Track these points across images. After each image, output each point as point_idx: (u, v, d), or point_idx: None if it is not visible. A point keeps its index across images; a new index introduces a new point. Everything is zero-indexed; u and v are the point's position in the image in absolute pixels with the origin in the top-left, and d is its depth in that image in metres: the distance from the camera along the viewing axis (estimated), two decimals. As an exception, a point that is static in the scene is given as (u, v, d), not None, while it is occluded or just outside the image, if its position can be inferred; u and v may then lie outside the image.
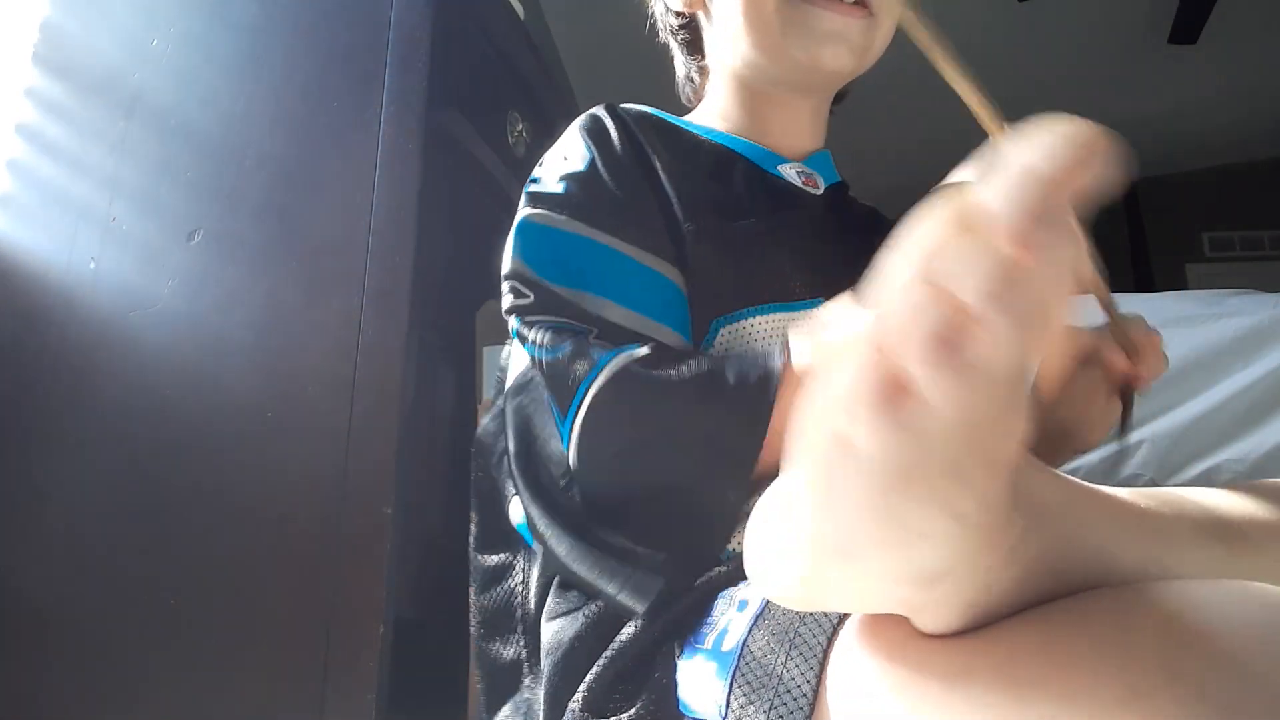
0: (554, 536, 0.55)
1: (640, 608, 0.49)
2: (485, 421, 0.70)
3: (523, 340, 0.58)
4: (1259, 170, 3.81)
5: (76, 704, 0.81)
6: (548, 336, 0.56)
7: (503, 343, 0.77)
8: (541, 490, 0.58)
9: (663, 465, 0.53)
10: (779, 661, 0.40)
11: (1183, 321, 1.36)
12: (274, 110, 0.93)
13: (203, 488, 0.84)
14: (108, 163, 0.96)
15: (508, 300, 0.60)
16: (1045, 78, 3.23)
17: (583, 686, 0.49)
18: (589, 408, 0.52)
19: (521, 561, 0.64)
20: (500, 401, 0.68)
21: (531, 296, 0.59)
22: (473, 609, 0.65)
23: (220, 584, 0.81)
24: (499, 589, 0.64)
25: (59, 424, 0.89)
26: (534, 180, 0.65)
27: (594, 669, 0.49)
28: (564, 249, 0.60)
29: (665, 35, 0.79)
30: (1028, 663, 0.30)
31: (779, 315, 0.62)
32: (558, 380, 0.54)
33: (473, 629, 0.65)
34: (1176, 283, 3.58)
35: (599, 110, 0.68)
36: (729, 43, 0.70)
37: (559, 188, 0.63)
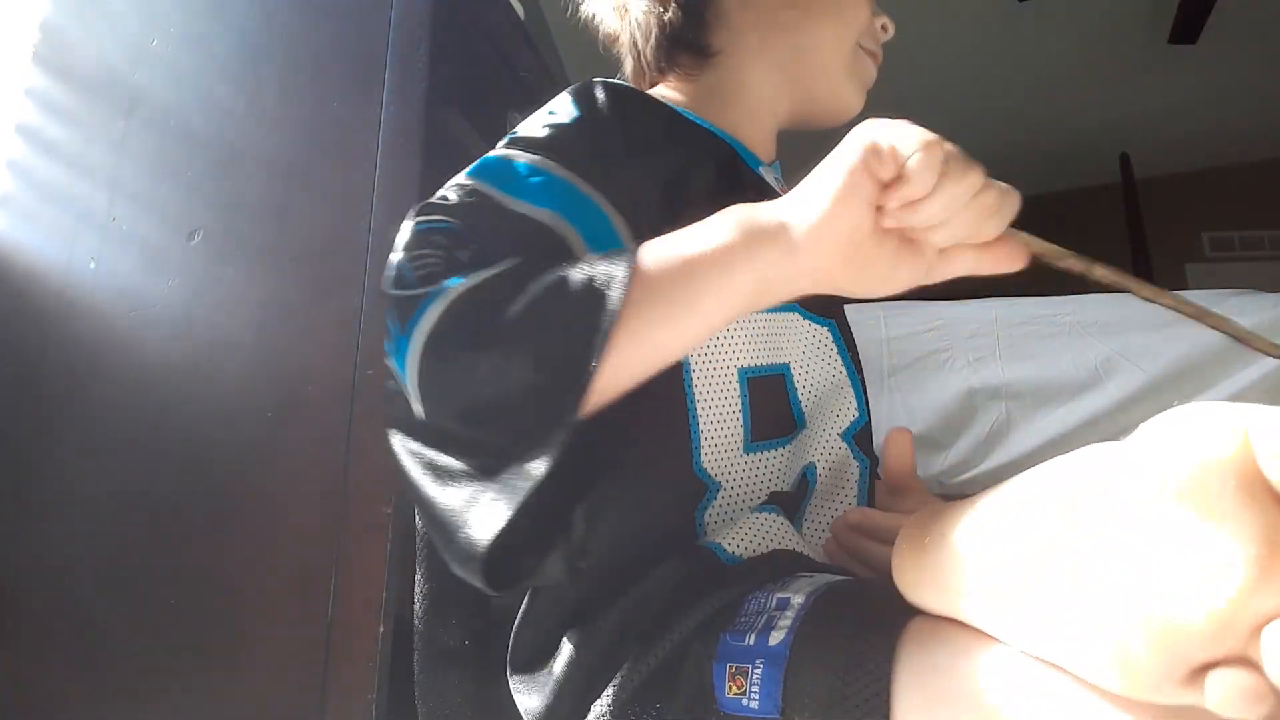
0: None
1: (510, 509, 0.43)
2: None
3: (403, 247, 0.50)
4: (1259, 170, 3.80)
5: (76, 704, 0.81)
6: (420, 243, 0.49)
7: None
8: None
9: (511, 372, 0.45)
10: (842, 650, 0.41)
11: (1183, 321, 1.36)
12: (274, 110, 0.93)
13: (202, 487, 0.84)
14: (108, 163, 0.96)
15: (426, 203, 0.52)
16: (1045, 78, 3.23)
17: (606, 695, 0.48)
18: (428, 337, 0.45)
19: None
20: None
21: (451, 198, 0.52)
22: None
23: (220, 584, 0.81)
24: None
25: (59, 424, 0.89)
26: (512, 134, 0.61)
27: (615, 679, 0.48)
28: (522, 171, 0.55)
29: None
30: None
31: (771, 317, 0.64)
32: (400, 299, 0.47)
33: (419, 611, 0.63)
34: (1176, 283, 3.58)
35: (595, 81, 0.65)
36: (783, 51, 0.71)
37: (539, 133, 0.59)
